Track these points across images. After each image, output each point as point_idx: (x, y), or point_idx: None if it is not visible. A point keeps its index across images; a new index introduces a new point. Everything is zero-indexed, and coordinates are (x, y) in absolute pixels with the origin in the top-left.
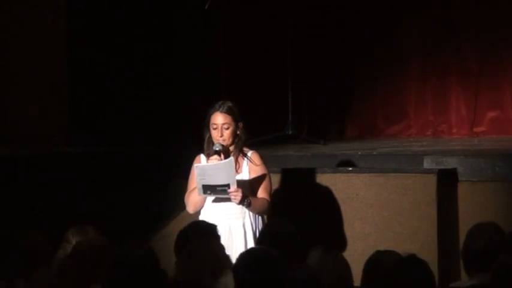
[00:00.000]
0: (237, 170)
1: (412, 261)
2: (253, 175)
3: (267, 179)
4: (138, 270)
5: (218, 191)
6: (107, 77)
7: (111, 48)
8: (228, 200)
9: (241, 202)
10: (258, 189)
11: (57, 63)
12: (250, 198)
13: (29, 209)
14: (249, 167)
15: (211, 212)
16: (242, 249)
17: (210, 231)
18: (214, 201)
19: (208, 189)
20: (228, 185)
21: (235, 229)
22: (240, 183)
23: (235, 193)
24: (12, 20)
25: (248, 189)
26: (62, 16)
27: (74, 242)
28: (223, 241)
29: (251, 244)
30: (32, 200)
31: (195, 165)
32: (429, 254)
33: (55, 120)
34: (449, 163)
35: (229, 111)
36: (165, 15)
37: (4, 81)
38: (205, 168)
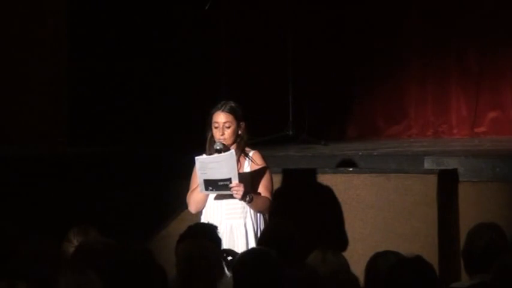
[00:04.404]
0: (239, 170)
1: (417, 263)
2: (255, 174)
3: (268, 178)
4: (137, 269)
5: (220, 187)
6: (107, 77)
7: (110, 48)
8: (230, 196)
9: (243, 197)
10: (259, 187)
11: (57, 63)
12: (252, 194)
13: (29, 209)
14: (250, 167)
15: (213, 211)
16: (243, 249)
17: (209, 233)
18: (216, 200)
19: (209, 184)
20: (229, 180)
21: (237, 229)
22: (242, 181)
23: (237, 187)
24: (12, 19)
25: (250, 187)
26: (62, 16)
27: (75, 242)
28: (224, 241)
29: (252, 244)
30: (32, 200)
31: (196, 158)
32: (430, 254)
33: (55, 120)
34: (450, 163)
35: (231, 111)
36: (165, 16)
37: (4, 81)
38: (206, 161)
